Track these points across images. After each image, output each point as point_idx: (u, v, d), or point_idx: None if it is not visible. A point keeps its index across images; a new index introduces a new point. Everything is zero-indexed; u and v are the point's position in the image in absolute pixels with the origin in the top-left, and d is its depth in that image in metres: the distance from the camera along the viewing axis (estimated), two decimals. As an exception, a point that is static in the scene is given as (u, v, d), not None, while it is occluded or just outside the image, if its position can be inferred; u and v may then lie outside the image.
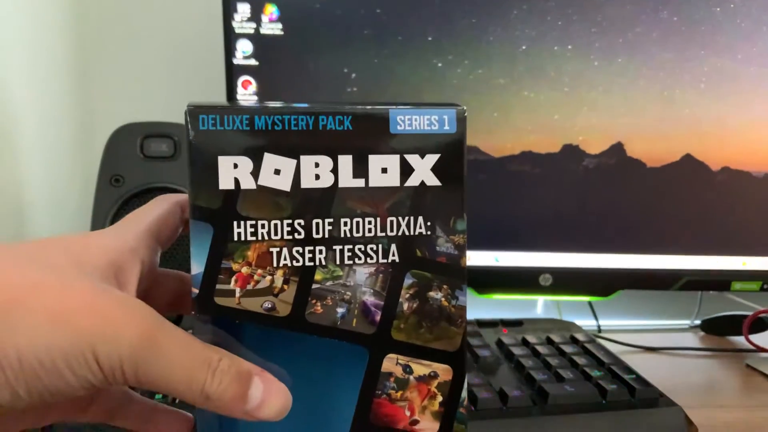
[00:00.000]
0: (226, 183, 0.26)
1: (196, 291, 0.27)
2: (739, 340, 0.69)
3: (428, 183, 0.28)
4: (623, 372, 0.52)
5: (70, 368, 0.22)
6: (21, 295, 0.22)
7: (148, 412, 0.30)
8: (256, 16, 0.57)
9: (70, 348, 0.22)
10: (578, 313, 0.76)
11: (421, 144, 0.28)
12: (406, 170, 0.28)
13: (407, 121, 0.27)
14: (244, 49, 0.58)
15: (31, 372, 0.22)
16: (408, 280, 0.28)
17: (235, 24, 0.57)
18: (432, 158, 0.28)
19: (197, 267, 0.27)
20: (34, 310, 0.22)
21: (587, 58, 0.60)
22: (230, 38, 0.57)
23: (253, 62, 0.58)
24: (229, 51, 0.58)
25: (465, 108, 0.28)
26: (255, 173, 0.27)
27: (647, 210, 0.62)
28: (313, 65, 0.58)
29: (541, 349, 0.57)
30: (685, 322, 0.79)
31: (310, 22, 0.58)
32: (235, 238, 0.27)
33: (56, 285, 0.23)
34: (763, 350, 0.66)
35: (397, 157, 0.28)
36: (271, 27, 0.57)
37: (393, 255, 0.28)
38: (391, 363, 0.28)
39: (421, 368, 0.29)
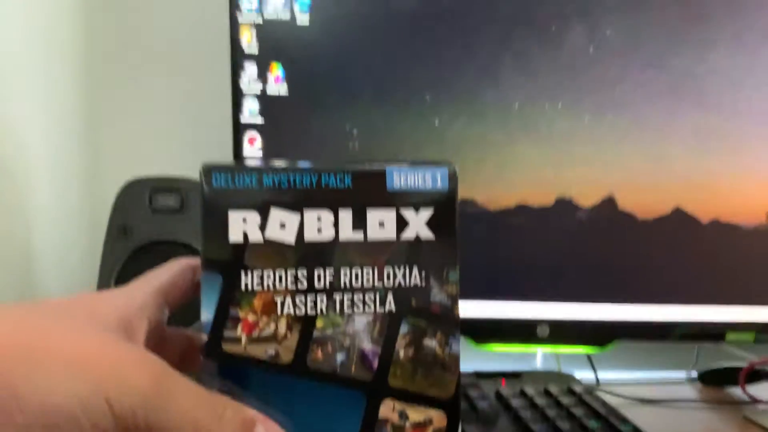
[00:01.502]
0: (235, 236, 0.28)
1: (205, 337, 0.28)
2: (737, 392, 0.70)
3: (422, 236, 0.30)
4: (620, 423, 0.52)
5: (85, 414, 0.23)
6: (41, 342, 0.24)
7: None
8: (262, 76, 0.60)
9: (87, 395, 0.23)
10: (577, 365, 0.76)
11: (415, 200, 0.30)
12: (402, 224, 0.30)
13: (403, 178, 0.30)
14: (250, 108, 0.61)
15: (51, 417, 0.22)
16: (404, 329, 0.30)
17: (242, 84, 0.60)
18: (426, 213, 0.30)
19: (207, 315, 0.28)
20: (53, 356, 0.23)
21: (577, 115, 0.63)
22: (238, 98, 0.60)
23: (259, 120, 0.61)
24: (237, 109, 0.61)
25: (456, 167, 0.30)
26: (262, 227, 0.29)
27: (640, 261, 0.64)
28: (317, 123, 0.61)
29: (538, 400, 0.57)
30: (683, 374, 0.79)
31: (314, 83, 0.61)
32: (243, 288, 0.29)
33: (72, 335, 0.25)
34: (760, 401, 0.66)
35: (393, 211, 0.30)
36: (277, 87, 0.60)
37: (390, 304, 0.30)
38: (387, 409, 0.29)
39: (416, 414, 0.30)
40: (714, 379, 0.73)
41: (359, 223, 0.29)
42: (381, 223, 0.29)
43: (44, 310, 0.26)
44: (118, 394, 0.23)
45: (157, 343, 0.30)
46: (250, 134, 0.61)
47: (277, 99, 0.61)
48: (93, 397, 0.23)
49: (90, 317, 0.26)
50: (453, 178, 0.30)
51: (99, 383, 0.23)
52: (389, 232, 0.30)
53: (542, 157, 0.63)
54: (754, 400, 0.66)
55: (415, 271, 0.30)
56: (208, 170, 0.28)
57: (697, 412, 0.66)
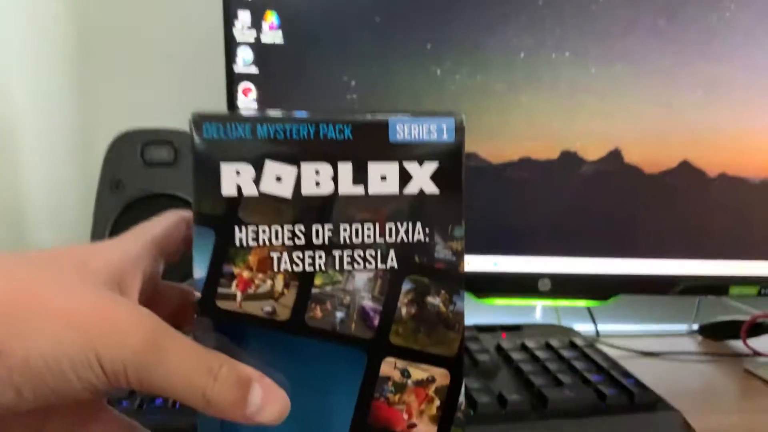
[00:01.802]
0: (228, 189, 0.27)
1: (198, 294, 0.27)
2: (738, 345, 0.70)
3: (427, 191, 0.28)
4: (622, 377, 0.52)
5: (74, 371, 0.22)
6: (29, 298, 0.23)
7: None
8: (256, 24, 0.58)
9: (75, 351, 0.22)
10: (577, 318, 0.76)
11: (419, 152, 0.28)
12: (405, 178, 0.28)
13: (406, 129, 0.28)
14: (244, 57, 0.58)
15: (37, 373, 0.22)
16: (406, 286, 0.29)
17: (236, 32, 0.58)
18: (431, 166, 0.28)
19: (200, 271, 0.27)
20: (42, 312, 0.23)
21: (584, 65, 0.60)
22: (231, 46, 0.58)
23: (253, 70, 0.59)
24: (230, 58, 0.58)
25: (463, 117, 0.29)
26: (257, 180, 0.27)
27: (645, 215, 0.63)
28: (313, 73, 0.59)
29: (540, 353, 0.57)
30: (684, 327, 0.79)
31: (310, 31, 0.58)
32: (237, 244, 0.27)
33: (62, 289, 0.24)
34: (761, 354, 0.66)
35: (396, 165, 0.28)
36: (272, 35, 0.58)
37: (391, 261, 0.28)
38: (389, 367, 0.29)
39: (418, 372, 0.29)
40: (715, 332, 0.73)
41: (360, 176, 0.28)
42: (383, 177, 0.28)
43: (34, 263, 0.25)
44: (108, 350, 0.23)
45: (150, 297, 0.29)
46: (244, 85, 0.59)
47: (272, 47, 0.58)
48: (82, 354, 0.22)
49: (81, 271, 0.25)
50: (460, 130, 0.29)
51: (89, 339, 0.22)
52: (391, 186, 0.28)
53: (547, 109, 0.61)
54: (756, 353, 0.66)
55: (419, 226, 0.28)
56: (199, 120, 0.27)
57: (698, 365, 0.66)
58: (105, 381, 0.23)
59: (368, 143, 0.28)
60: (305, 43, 0.59)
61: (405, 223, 0.28)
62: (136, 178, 0.60)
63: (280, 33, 0.58)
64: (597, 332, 0.76)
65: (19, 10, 0.66)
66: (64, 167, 0.75)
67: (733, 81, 0.61)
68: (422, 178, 0.28)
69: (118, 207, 0.59)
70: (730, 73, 0.61)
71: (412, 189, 0.28)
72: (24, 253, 0.26)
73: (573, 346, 0.60)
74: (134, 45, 0.77)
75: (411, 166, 0.28)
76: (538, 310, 0.83)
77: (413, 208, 0.28)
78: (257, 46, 0.58)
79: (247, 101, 0.59)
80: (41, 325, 0.22)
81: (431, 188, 0.28)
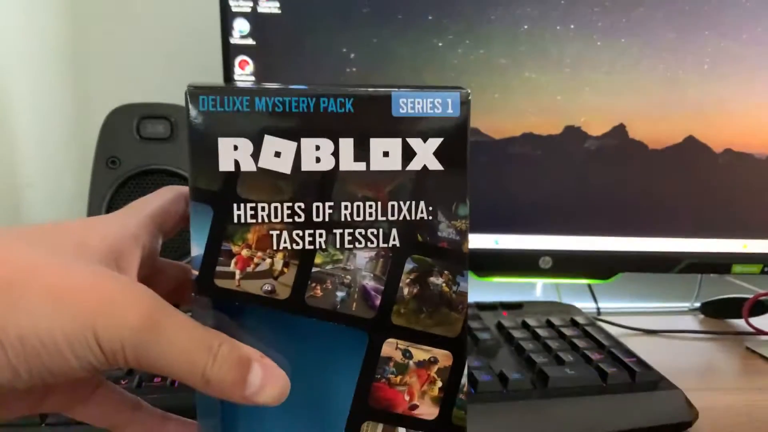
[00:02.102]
0: (226, 165, 0.26)
1: (195, 272, 0.26)
2: (739, 323, 0.70)
3: (430, 167, 0.27)
4: (623, 355, 0.52)
5: (71, 349, 0.22)
6: (23, 275, 0.22)
7: (157, 422, 0.30)
8: (253, -6, 0.56)
9: (72, 329, 0.22)
10: (577, 295, 0.76)
11: (423, 127, 0.27)
12: (408, 154, 0.27)
13: (410, 103, 0.27)
14: (241, 28, 0.57)
15: (32, 352, 0.22)
16: (409, 265, 0.28)
17: (231, 2, 0.56)
18: (435, 142, 0.27)
19: (197, 249, 0.26)
20: (37, 290, 0.22)
21: (590, 38, 0.59)
22: (227, 17, 0.57)
23: (250, 42, 0.57)
24: (226, 30, 0.57)
25: (469, 91, 0.28)
26: (255, 155, 0.26)
27: (648, 192, 0.62)
28: (312, 45, 0.58)
29: (541, 332, 0.57)
30: (685, 305, 0.79)
31: (308, 1, 0.57)
32: (235, 221, 0.26)
33: (58, 266, 0.23)
34: (762, 333, 0.66)
35: (399, 140, 0.27)
36: (268, 5, 0.56)
37: (394, 240, 0.28)
38: (390, 347, 0.28)
39: (420, 353, 0.28)
40: (716, 311, 0.73)
41: (361, 152, 0.27)
42: (385, 153, 0.27)
43: (30, 238, 0.25)
44: (106, 328, 0.22)
45: (149, 274, 0.28)
46: (241, 57, 0.58)
47: (269, 18, 0.57)
48: (79, 331, 0.22)
49: (78, 248, 0.25)
50: (465, 104, 0.27)
51: (86, 317, 0.22)
52: (394, 163, 0.27)
53: (551, 83, 0.60)
54: (757, 332, 0.66)
55: (422, 204, 0.28)
56: (195, 93, 0.26)
57: (700, 343, 0.66)
58: (103, 360, 0.22)
59: (370, 117, 0.27)
60: (303, 14, 0.57)
61: (408, 201, 0.27)
62: (132, 154, 0.59)
63: (277, 3, 0.57)
64: (598, 310, 0.76)
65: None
66: (59, 143, 0.74)
67: (740, 55, 0.60)
68: (426, 154, 0.27)
69: (114, 183, 0.59)
70: (737, 47, 0.60)
71: (415, 165, 0.27)
72: (19, 227, 0.26)
73: (574, 324, 0.59)
74: (129, 18, 0.75)
75: (414, 142, 0.27)
76: (538, 287, 0.82)
77: (416, 185, 0.27)
78: (254, 17, 0.57)
79: (244, 74, 0.58)
80: (37, 303, 0.22)
81: (435, 165, 0.27)
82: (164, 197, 0.29)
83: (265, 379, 0.25)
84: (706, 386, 0.55)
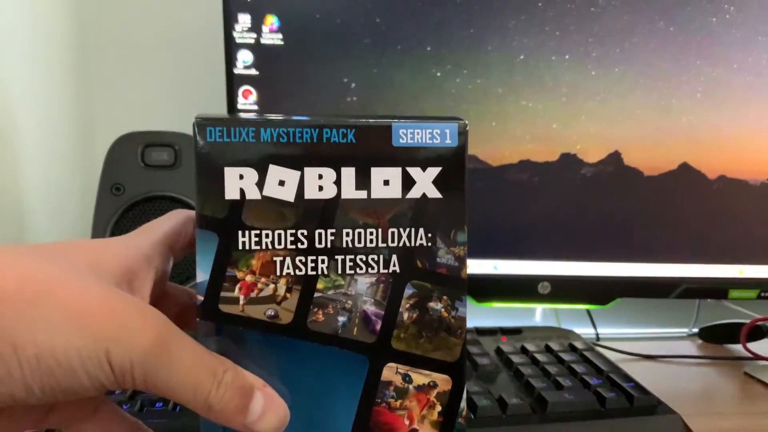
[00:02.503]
0: (231, 193, 0.27)
1: (200, 298, 0.27)
2: (737, 348, 0.70)
3: (429, 195, 0.28)
4: (622, 380, 0.52)
5: (84, 368, 0.22)
6: (42, 293, 0.23)
7: None
8: (256, 27, 0.58)
9: (86, 349, 0.22)
10: (576, 321, 0.76)
11: (422, 157, 0.28)
12: (408, 182, 0.28)
13: (409, 134, 0.28)
14: (244, 59, 0.58)
15: (47, 370, 0.22)
16: (408, 291, 0.29)
17: (235, 34, 0.58)
18: (433, 171, 0.28)
19: (202, 275, 0.27)
20: (54, 309, 0.22)
21: (584, 67, 0.61)
22: (231, 48, 0.58)
23: (253, 72, 0.59)
24: (230, 61, 0.58)
25: (467, 122, 0.29)
26: (260, 184, 0.27)
27: (645, 218, 0.63)
28: (313, 75, 0.59)
29: (540, 357, 0.57)
30: (683, 330, 0.79)
31: (310, 33, 0.58)
32: (240, 247, 0.27)
33: (75, 286, 0.24)
34: (761, 358, 0.66)
35: (399, 169, 0.28)
36: (272, 37, 0.58)
37: (394, 265, 0.28)
38: (390, 372, 0.29)
39: (420, 378, 0.29)
40: (714, 336, 0.73)
41: (363, 180, 0.28)
42: (386, 181, 0.28)
43: (46, 256, 0.25)
44: (118, 348, 0.23)
45: (158, 295, 0.29)
46: (244, 87, 0.59)
47: (272, 49, 0.58)
48: (92, 351, 0.22)
49: (94, 268, 0.25)
50: (463, 134, 0.29)
51: (100, 337, 0.22)
52: (394, 191, 0.28)
53: (547, 111, 0.61)
54: (755, 357, 0.66)
55: (421, 231, 0.28)
56: (203, 124, 0.27)
57: (698, 368, 0.66)
58: (112, 379, 0.23)
59: (371, 147, 0.28)
60: (305, 45, 0.58)
61: (407, 228, 0.28)
62: (136, 181, 0.60)
63: (280, 35, 0.58)
64: (597, 335, 0.76)
65: (19, 10, 0.66)
66: (64, 169, 0.74)
67: (733, 83, 0.61)
68: (425, 182, 0.28)
69: (118, 209, 0.59)
70: (730, 75, 0.61)
71: (414, 193, 0.28)
72: (35, 245, 0.26)
73: (573, 349, 0.60)
74: (134, 47, 0.76)
75: (414, 171, 0.28)
76: (537, 312, 0.83)
77: (416, 212, 0.28)
78: (257, 48, 0.58)
79: (248, 103, 0.59)
80: (55, 322, 0.22)
81: (434, 193, 0.28)
82: (174, 220, 0.30)
83: (266, 408, 0.25)
84: (705, 411, 0.55)
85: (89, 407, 0.29)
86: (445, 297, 0.29)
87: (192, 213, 0.30)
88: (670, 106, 0.61)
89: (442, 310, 0.29)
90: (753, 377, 0.63)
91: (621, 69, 0.61)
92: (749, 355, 0.67)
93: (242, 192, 0.27)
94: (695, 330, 0.76)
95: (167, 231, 0.29)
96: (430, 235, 0.29)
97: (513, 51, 0.60)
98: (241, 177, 0.27)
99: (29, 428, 0.27)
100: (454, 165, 0.28)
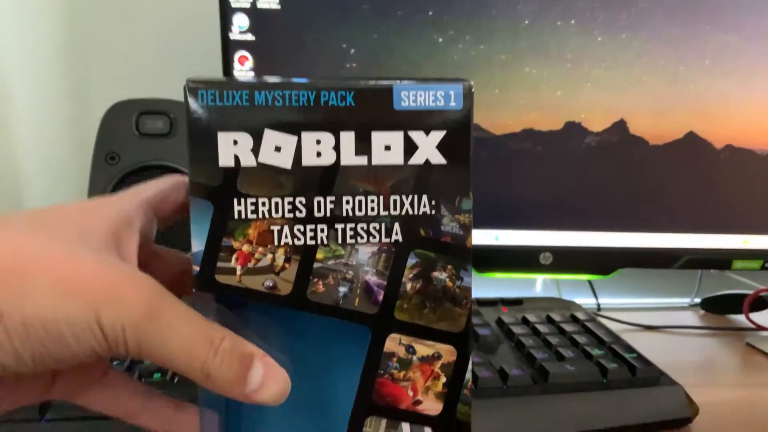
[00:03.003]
0: (225, 160, 0.26)
1: (197, 268, 0.26)
2: (740, 319, 0.69)
3: (433, 161, 0.27)
4: (624, 351, 0.52)
5: (74, 336, 0.22)
6: (27, 262, 0.22)
7: (171, 411, 0.29)
8: (252, -11, 0.56)
9: (75, 316, 0.22)
10: (578, 291, 0.75)
11: (425, 121, 0.27)
12: (410, 148, 0.27)
13: (411, 96, 0.27)
14: (240, 23, 0.56)
15: (36, 338, 0.22)
16: (411, 260, 0.28)
17: (231, -3, 0.56)
18: (437, 135, 0.27)
19: (197, 245, 0.26)
20: (41, 277, 0.22)
21: (590, 33, 0.59)
22: (226, 12, 0.56)
23: (249, 37, 0.57)
24: (225, 26, 0.56)
25: (472, 83, 0.27)
26: (255, 150, 0.26)
27: (649, 188, 0.62)
28: (311, 40, 0.57)
29: (541, 327, 0.57)
30: (685, 301, 0.79)
31: (308, -4, 0.57)
32: (236, 216, 0.26)
33: (62, 253, 0.23)
34: (763, 329, 0.66)
35: (400, 134, 0.27)
36: (268, 1, 0.56)
37: (396, 234, 0.27)
38: (394, 343, 0.28)
39: (424, 349, 0.28)
40: (717, 306, 0.73)
41: (363, 146, 0.27)
42: (387, 147, 0.27)
43: (34, 224, 0.25)
44: (109, 314, 0.22)
45: (145, 260, 0.28)
46: (240, 53, 0.57)
47: (269, 13, 0.56)
48: (82, 317, 0.22)
49: (80, 233, 0.25)
50: (468, 97, 0.27)
51: (89, 303, 0.22)
52: (396, 156, 0.27)
53: (551, 79, 0.60)
54: (758, 327, 0.66)
55: (425, 198, 0.27)
56: (194, 87, 0.25)
57: (700, 339, 0.66)
58: (105, 346, 0.22)
59: (371, 111, 0.26)
60: (303, 9, 0.57)
61: (410, 195, 0.27)
62: (131, 150, 0.59)
63: (277, -2, 0.56)
64: (598, 306, 0.76)
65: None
66: (58, 139, 0.73)
67: (741, 50, 0.60)
68: (428, 147, 0.27)
69: (114, 179, 0.58)
70: (738, 42, 0.60)
71: (417, 159, 0.27)
72: (21, 212, 0.26)
73: (574, 319, 0.59)
74: (128, 14, 0.75)
75: (416, 135, 0.27)
76: (538, 283, 0.82)
77: (419, 179, 0.27)
78: (253, 13, 0.56)
79: (244, 69, 0.57)
80: (42, 291, 0.22)
81: (438, 158, 0.27)
82: (162, 184, 0.29)
83: (266, 378, 0.24)
84: (707, 382, 0.55)
85: (93, 374, 0.28)
86: (449, 266, 0.28)
87: (184, 178, 0.29)
88: (677, 74, 0.60)
89: (447, 279, 0.28)
90: (755, 348, 0.63)
91: (628, 35, 0.59)
92: (752, 325, 0.67)
93: (237, 158, 0.26)
94: (697, 300, 0.76)
95: (153, 193, 0.28)
96: (434, 202, 0.27)
97: (517, 16, 0.58)
98: (236, 143, 0.26)
99: (34, 399, 0.27)
100: (459, 129, 0.27)
